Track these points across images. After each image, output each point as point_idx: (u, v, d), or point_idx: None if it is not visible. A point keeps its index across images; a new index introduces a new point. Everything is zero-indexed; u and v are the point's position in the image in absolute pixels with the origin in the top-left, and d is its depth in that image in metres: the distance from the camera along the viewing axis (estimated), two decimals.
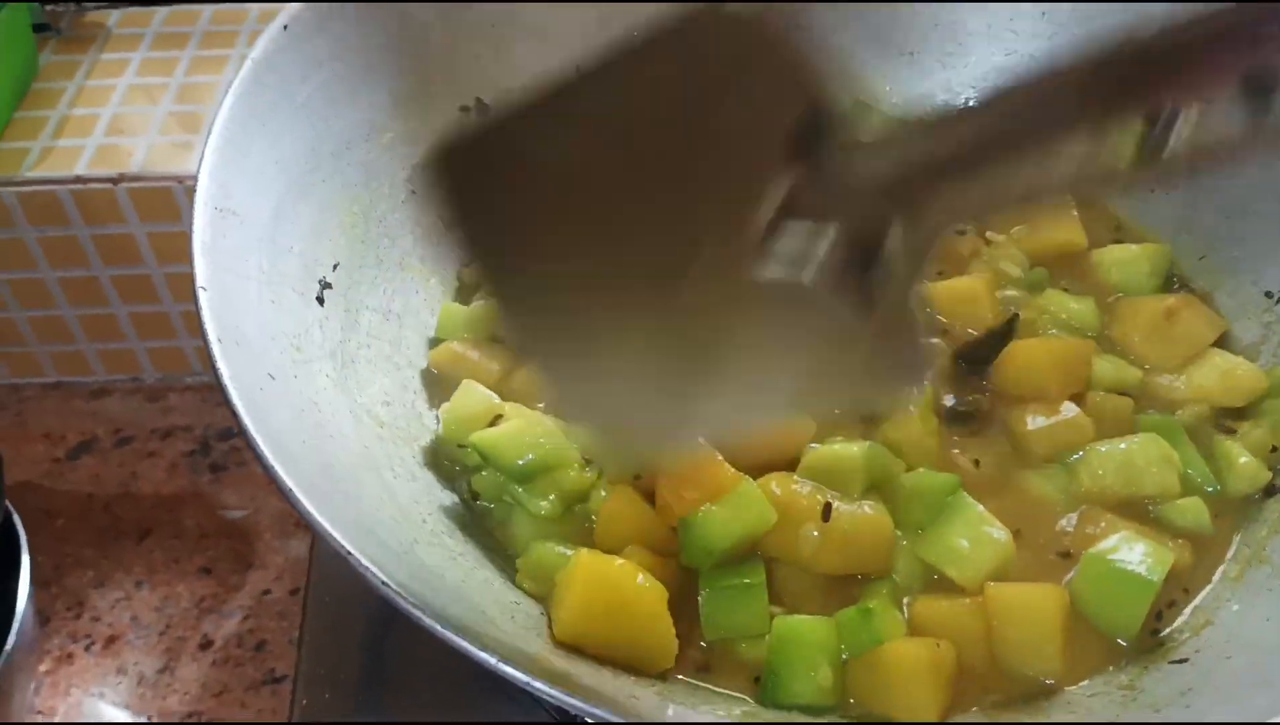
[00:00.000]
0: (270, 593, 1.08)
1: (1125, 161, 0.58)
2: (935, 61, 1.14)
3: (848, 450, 0.79)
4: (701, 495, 0.75)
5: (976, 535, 0.76)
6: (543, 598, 0.79)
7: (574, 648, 0.73)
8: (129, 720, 1.00)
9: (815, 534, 0.76)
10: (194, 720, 0.99)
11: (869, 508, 0.78)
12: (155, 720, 1.00)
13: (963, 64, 1.13)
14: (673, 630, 0.73)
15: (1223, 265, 1.00)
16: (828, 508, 0.76)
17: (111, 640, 1.05)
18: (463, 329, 0.97)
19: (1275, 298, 0.96)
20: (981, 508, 0.78)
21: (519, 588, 0.80)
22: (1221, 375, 0.90)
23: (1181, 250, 1.02)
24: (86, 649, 1.05)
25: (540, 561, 0.79)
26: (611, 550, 0.77)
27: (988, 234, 1.01)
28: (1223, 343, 0.96)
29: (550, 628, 0.76)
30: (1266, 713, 0.62)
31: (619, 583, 0.72)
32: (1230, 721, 0.65)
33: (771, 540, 0.78)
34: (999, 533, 0.77)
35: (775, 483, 0.78)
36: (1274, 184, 0.96)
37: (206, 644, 1.05)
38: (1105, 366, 0.90)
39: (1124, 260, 1.00)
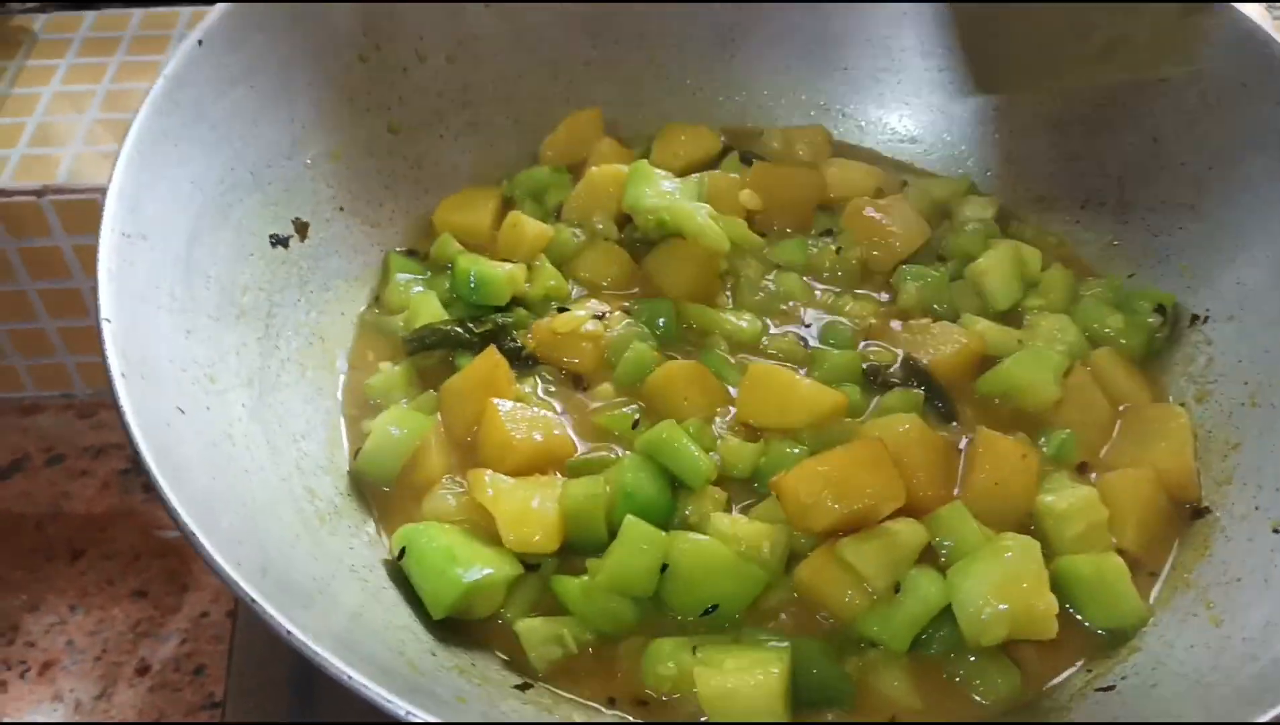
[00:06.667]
0: (208, 614, 1.06)
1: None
2: (869, 76, 1.13)
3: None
4: None
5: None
6: None
7: None
8: None
9: None
10: None
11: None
12: None
13: (895, 79, 1.13)
14: None
15: (1150, 285, 1.00)
16: None
17: (46, 666, 1.03)
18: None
19: (1201, 320, 0.96)
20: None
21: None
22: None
23: (1112, 266, 1.03)
24: (21, 675, 1.02)
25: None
26: None
27: None
28: (1148, 365, 0.97)
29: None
30: None
31: None
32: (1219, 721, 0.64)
33: None
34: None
35: None
36: (1205, 205, 0.96)
37: (144, 669, 1.03)
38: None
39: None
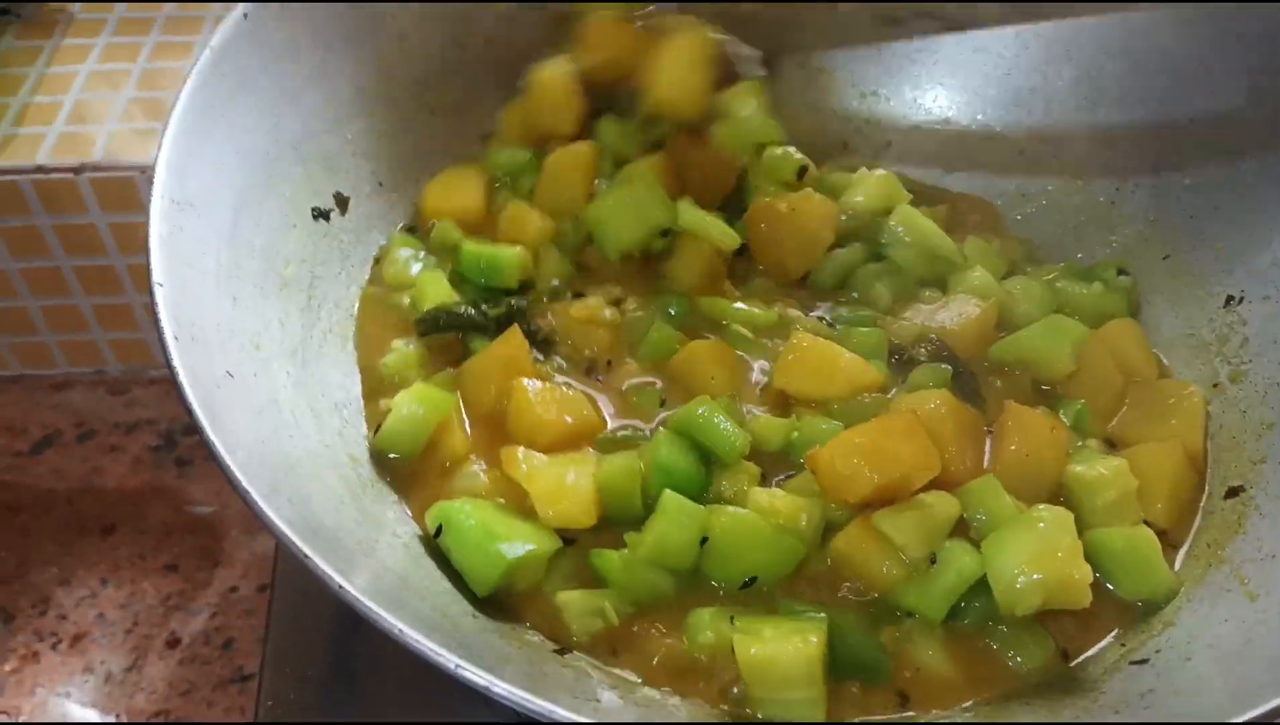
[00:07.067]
0: (238, 589, 1.07)
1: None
2: (904, 57, 1.11)
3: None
4: None
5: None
6: None
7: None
8: (96, 719, 0.99)
9: None
10: (161, 719, 0.98)
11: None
12: (123, 719, 0.99)
13: (932, 59, 1.11)
14: None
15: (1185, 266, 1.00)
16: None
17: (78, 638, 1.04)
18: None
19: (1236, 301, 0.96)
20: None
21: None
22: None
23: (1148, 247, 1.02)
24: (53, 647, 1.03)
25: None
26: None
27: None
28: (1178, 349, 0.97)
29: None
30: (1226, 713, 0.62)
31: None
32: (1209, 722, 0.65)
33: None
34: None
35: None
36: (1241, 185, 0.96)
37: (174, 642, 1.04)
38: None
39: None
